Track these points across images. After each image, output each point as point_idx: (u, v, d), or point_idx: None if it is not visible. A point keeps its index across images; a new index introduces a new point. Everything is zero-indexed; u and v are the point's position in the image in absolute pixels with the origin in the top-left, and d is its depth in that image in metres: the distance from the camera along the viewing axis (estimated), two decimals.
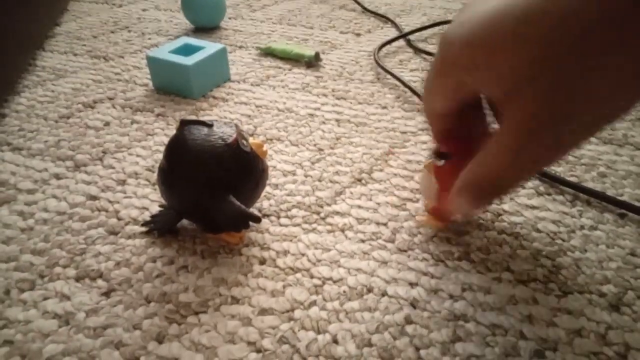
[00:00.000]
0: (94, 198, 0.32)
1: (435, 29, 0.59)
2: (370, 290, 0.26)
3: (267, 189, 0.33)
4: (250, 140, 0.28)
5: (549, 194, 0.32)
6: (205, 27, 0.60)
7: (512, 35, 0.19)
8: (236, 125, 0.28)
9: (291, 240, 0.29)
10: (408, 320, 0.24)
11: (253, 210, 0.31)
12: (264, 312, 0.25)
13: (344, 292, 0.26)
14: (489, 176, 0.23)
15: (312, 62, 0.50)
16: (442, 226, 0.29)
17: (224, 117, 0.42)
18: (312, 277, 0.27)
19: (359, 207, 0.31)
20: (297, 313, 0.25)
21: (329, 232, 0.30)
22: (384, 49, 0.54)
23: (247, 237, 0.29)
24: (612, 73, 0.18)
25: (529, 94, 0.20)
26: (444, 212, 0.28)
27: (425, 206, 0.30)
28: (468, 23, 0.21)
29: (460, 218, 0.29)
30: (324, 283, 0.26)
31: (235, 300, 0.25)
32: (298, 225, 0.30)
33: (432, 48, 0.54)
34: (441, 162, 0.26)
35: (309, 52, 0.50)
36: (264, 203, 0.32)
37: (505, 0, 0.20)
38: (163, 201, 0.31)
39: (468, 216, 0.30)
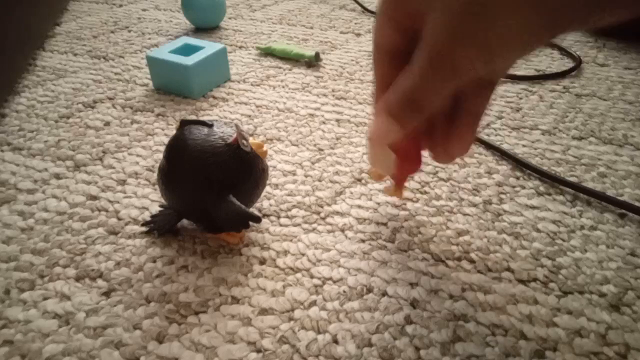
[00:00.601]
0: (94, 198, 0.32)
1: None
2: (370, 290, 0.26)
3: (267, 188, 0.33)
4: (251, 140, 0.28)
5: (549, 194, 0.32)
6: (205, 27, 0.60)
7: None
8: (236, 126, 0.28)
9: (291, 240, 0.29)
10: (408, 320, 0.24)
11: (253, 210, 0.31)
12: (264, 312, 0.25)
13: (344, 292, 0.26)
14: (406, 92, 0.24)
15: (312, 62, 0.50)
16: (400, 195, 0.30)
17: (224, 117, 0.42)
18: (312, 277, 0.27)
19: (359, 207, 0.31)
20: (297, 313, 0.25)
21: (329, 232, 0.30)
22: None
23: (247, 237, 0.29)
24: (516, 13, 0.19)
25: (439, 14, 0.21)
26: (401, 181, 0.29)
27: (371, 173, 0.30)
28: None
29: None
30: (324, 283, 0.26)
31: (235, 300, 0.25)
32: (298, 225, 0.30)
33: None
34: None
35: (309, 52, 0.50)
36: (264, 203, 0.32)
37: None
38: (163, 201, 0.31)
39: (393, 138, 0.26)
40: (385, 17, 0.25)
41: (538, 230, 0.29)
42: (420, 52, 0.23)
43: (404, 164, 0.28)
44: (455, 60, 0.22)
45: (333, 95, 0.45)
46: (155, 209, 0.31)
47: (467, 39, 0.21)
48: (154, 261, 0.28)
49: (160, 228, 0.29)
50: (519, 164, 0.35)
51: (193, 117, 0.41)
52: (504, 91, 0.45)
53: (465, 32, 0.21)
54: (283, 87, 0.46)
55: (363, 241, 0.29)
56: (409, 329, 0.24)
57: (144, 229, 0.30)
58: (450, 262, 0.27)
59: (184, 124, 0.27)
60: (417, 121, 0.25)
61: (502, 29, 0.20)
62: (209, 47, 0.45)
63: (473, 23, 0.21)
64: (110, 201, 0.32)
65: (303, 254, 0.28)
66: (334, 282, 0.26)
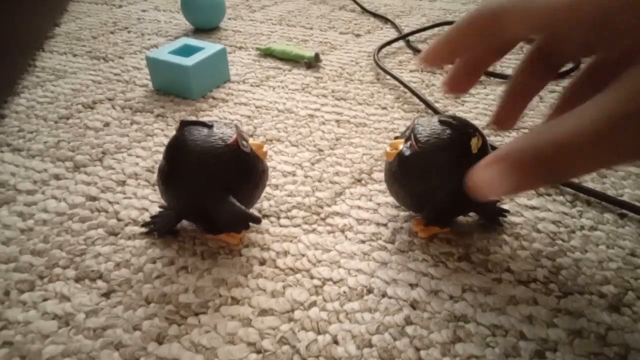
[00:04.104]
0: (93, 199, 0.32)
1: (435, 30, 0.59)
2: (370, 291, 0.26)
3: (267, 189, 0.33)
4: (250, 141, 0.28)
5: (549, 195, 0.32)
6: (204, 28, 0.60)
7: None
8: (236, 126, 0.28)
9: (291, 241, 0.29)
10: (408, 321, 0.24)
11: (253, 210, 0.31)
12: (264, 312, 0.25)
13: (344, 292, 0.26)
14: (557, 141, 0.17)
15: (311, 63, 0.50)
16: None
17: (224, 117, 0.42)
18: (312, 277, 0.27)
19: (359, 207, 0.31)
20: (297, 314, 0.25)
21: (329, 232, 0.30)
22: (384, 50, 0.54)
23: (247, 238, 0.29)
24: None
25: None
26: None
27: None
28: None
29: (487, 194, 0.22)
30: (324, 284, 0.26)
31: (235, 301, 0.25)
32: (298, 225, 0.30)
33: None
34: None
35: (308, 53, 0.50)
36: (264, 204, 0.32)
37: None
38: (163, 202, 0.31)
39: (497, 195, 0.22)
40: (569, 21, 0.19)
41: (538, 231, 0.29)
42: (598, 106, 0.16)
43: None
44: None
45: (333, 96, 0.45)
46: (155, 209, 0.31)
47: None
48: (154, 262, 0.28)
49: (160, 229, 0.29)
50: None
51: (193, 118, 0.41)
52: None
53: None
54: (283, 87, 0.46)
55: (363, 242, 0.29)
56: (409, 329, 0.24)
57: (143, 229, 0.30)
58: (450, 263, 0.27)
59: (183, 124, 0.27)
60: (539, 186, 0.20)
61: None
62: (208, 47, 0.45)
63: None
64: (109, 202, 0.32)
65: (303, 255, 0.28)
66: (334, 282, 0.26)
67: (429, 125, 0.27)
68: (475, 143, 0.25)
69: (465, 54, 0.25)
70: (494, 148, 0.36)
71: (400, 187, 0.27)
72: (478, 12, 0.22)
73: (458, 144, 0.26)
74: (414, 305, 0.25)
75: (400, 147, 0.27)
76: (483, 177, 0.20)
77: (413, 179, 0.27)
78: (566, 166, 0.17)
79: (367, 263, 0.27)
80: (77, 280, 0.27)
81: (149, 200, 0.32)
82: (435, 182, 0.26)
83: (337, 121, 0.41)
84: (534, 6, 0.20)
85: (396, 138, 0.29)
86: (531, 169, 0.18)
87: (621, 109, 0.15)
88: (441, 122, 0.27)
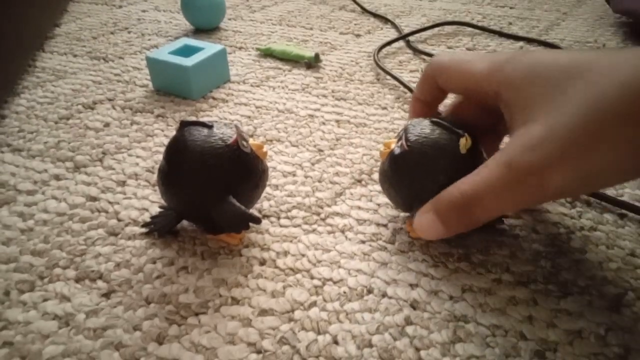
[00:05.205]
0: (93, 199, 0.32)
1: (435, 30, 0.59)
2: (370, 291, 0.26)
3: (267, 189, 0.33)
4: (250, 141, 0.28)
5: None
6: (204, 28, 0.60)
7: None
8: (236, 127, 0.28)
9: (291, 241, 0.29)
10: (408, 321, 0.24)
11: (253, 211, 0.31)
12: (264, 312, 0.25)
13: (344, 293, 0.26)
14: (465, 198, 0.23)
15: (312, 63, 0.50)
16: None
17: (224, 118, 0.42)
18: (312, 277, 0.27)
19: (359, 208, 0.31)
20: (297, 314, 0.25)
21: (329, 233, 0.30)
22: (384, 50, 0.54)
23: (247, 238, 0.29)
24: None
25: (539, 128, 0.21)
26: None
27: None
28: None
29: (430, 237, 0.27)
30: (324, 284, 0.26)
31: (235, 301, 0.25)
32: (298, 226, 0.30)
33: (431, 49, 0.54)
34: None
35: (308, 53, 0.50)
36: (264, 204, 0.32)
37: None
38: (163, 202, 0.31)
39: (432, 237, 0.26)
40: (452, 78, 0.27)
41: (537, 232, 0.29)
42: (496, 163, 0.22)
43: None
44: (545, 183, 0.20)
45: (333, 96, 0.45)
46: (155, 210, 0.31)
47: (567, 166, 0.20)
48: (154, 262, 0.28)
49: (160, 229, 0.29)
50: None
51: (193, 118, 0.41)
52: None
53: (567, 159, 0.20)
54: (283, 88, 0.46)
55: (363, 242, 0.29)
56: (409, 329, 0.24)
57: (143, 230, 0.30)
58: (450, 264, 0.27)
59: (183, 125, 0.27)
60: (466, 229, 0.24)
61: (602, 163, 0.20)
62: (208, 48, 0.45)
63: (579, 152, 0.19)
64: (110, 202, 0.32)
65: (303, 255, 0.28)
66: (334, 283, 0.26)
67: (419, 125, 0.27)
68: (463, 143, 0.25)
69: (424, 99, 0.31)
70: None
71: (391, 186, 0.28)
72: (425, 69, 0.29)
73: (446, 144, 0.26)
74: (414, 305, 0.25)
75: (392, 146, 0.27)
76: (420, 224, 0.25)
77: (402, 177, 0.27)
78: (475, 213, 0.23)
79: (367, 263, 0.27)
80: (77, 280, 0.27)
81: (149, 201, 0.32)
82: (423, 182, 0.26)
83: (337, 121, 0.41)
84: (459, 71, 0.27)
85: None
86: (449, 218, 0.24)
87: (501, 177, 0.22)
88: (432, 122, 0.27)
